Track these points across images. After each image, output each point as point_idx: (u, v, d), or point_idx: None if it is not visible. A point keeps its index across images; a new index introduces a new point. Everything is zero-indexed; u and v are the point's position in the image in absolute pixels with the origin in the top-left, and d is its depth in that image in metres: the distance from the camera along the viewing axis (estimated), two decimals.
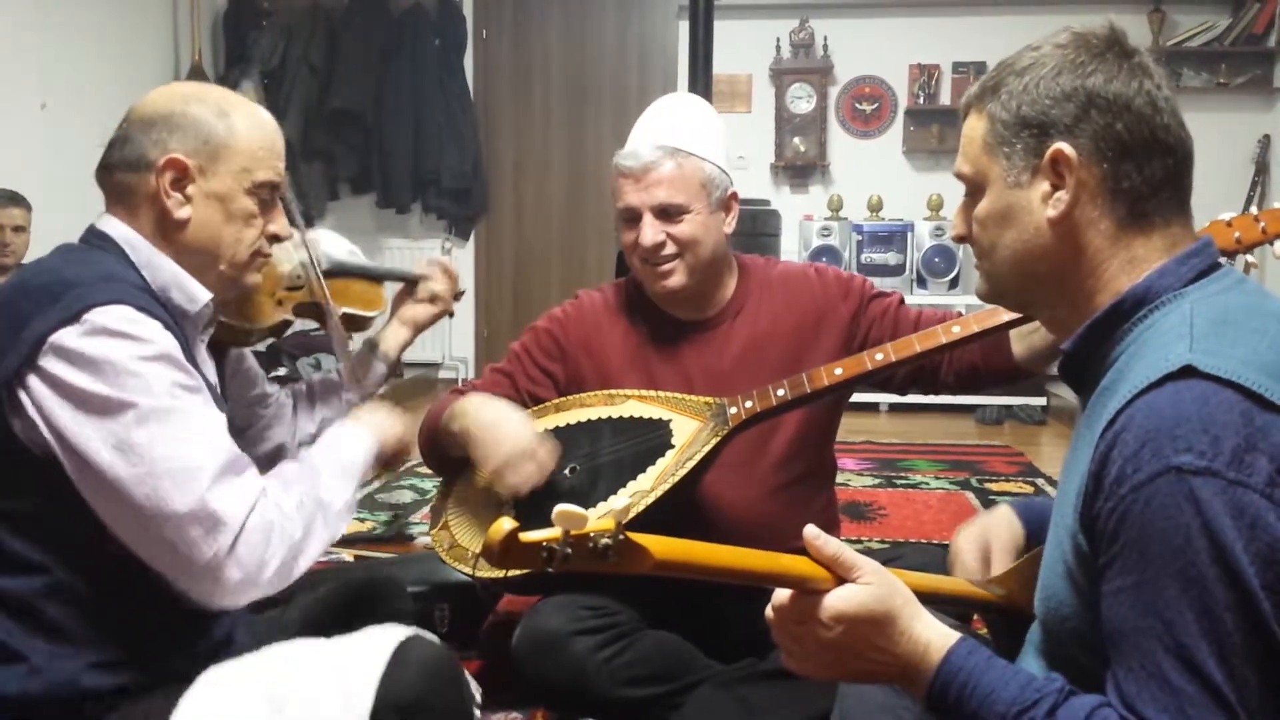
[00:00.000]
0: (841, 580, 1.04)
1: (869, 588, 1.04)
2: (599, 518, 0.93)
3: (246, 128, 1.46)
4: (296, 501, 1.37)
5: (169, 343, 1.31)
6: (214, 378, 1.55)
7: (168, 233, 1.43)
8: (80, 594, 1.31)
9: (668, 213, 1.97)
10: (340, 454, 1.52)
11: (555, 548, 0.90)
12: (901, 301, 2.08)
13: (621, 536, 0.92)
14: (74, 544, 1.30)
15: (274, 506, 1.33)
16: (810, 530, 1.06)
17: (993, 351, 1.95)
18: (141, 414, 1.24)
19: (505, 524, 0.88)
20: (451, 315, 2.09)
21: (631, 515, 1.77)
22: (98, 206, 1.47)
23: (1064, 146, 1.06)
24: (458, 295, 2.09)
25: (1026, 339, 1.91)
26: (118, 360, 1.25)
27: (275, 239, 1.54)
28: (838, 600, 1.03)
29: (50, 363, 1.25)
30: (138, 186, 1.42)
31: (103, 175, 1.46)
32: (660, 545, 0.96)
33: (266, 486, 1.35)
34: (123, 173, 1.43)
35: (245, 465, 1.34)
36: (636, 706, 1.90)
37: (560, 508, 0.89)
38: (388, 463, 1.68)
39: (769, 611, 1.09)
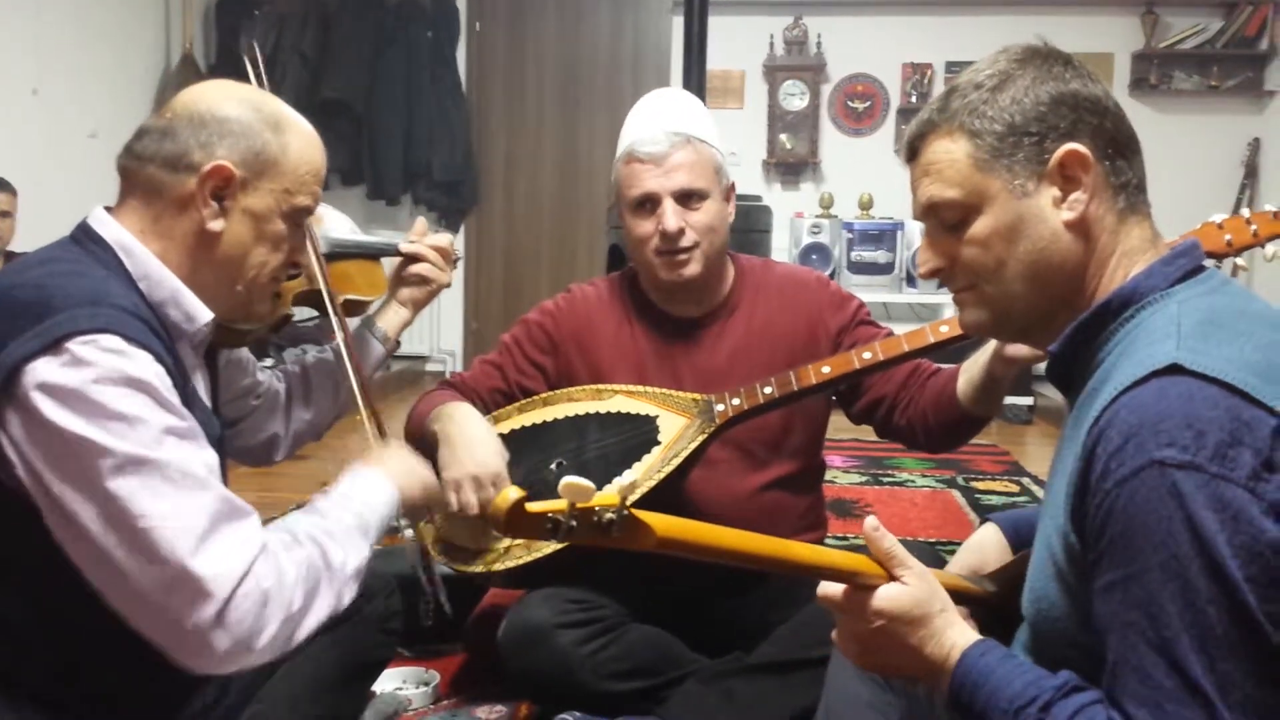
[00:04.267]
0: (890, 577, 1.09)
1: (909, 589, 1.08)
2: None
3: (299, 148, 1.35)
4: (300, 567, 1.24)
5: (158, 378, 1.18)
6: (206, 392, 1.44)
7: (192, 243, 1.31)
8: (56, 655, 1.22)
9: (687, 199, 1.94)
10: (358, 508, 1.38)
11: (560, 519, 0.90)
12: (890, 336, 2.01)
13: (625, 511, 0.93)
14: (52, 597, 1.19)
15: (271, 572, 1.19)
16: (871, 522, 1.10)
17: (941, 395, 1.91)
18: (120, 464, 1.12)
19: (512, 493, 0.89)
20: (448, 285, 1.97)
21: (637, 494, 1.77)
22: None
23: (1078, 147, 1.06)
24: (454, 263, 1.98)
25: (968, 370, 1.86)
26: (100, 399, 1.12)
27: (295, 266, 1.43)
28: (883, 600, 1.08)
29: (26, 397, 1.12)
30: (170, 187, 1.29)
31: (131, 164, 1.32)
32: (664, 523, 0.97)
33: (268, 544, 1.21)
34: (157, 168, 1.29)
35: (240, 514, 1.20)
36: (621, 700, 1.90)
37: (567, 479, 0.89)
38: (413, 512, 1.55)
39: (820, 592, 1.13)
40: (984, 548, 1.43)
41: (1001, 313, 1.14)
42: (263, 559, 1.19)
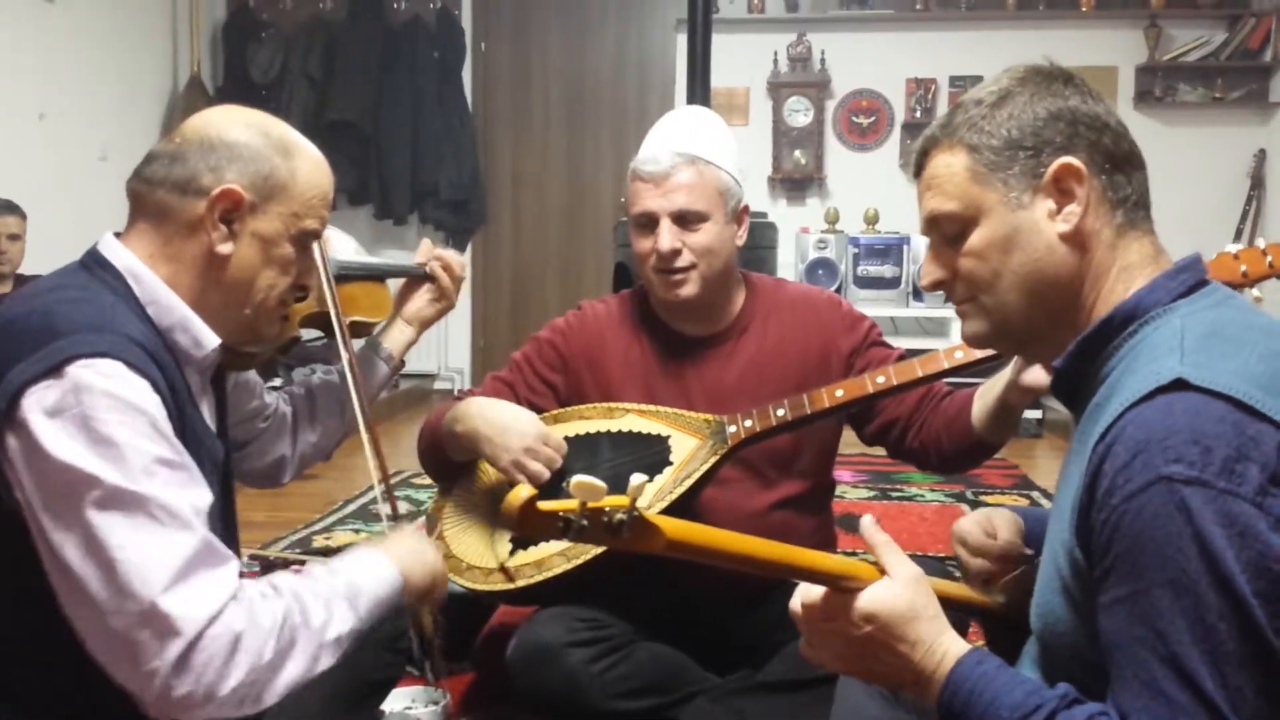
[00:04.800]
0: (880, 573, 1.07)
1: (902, 593, 1.06)
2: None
3: (307, 172, 1.37)
4: (276, 619, 1.20)
5: (155, 408, 1.18)
6: (212, 416, 1.44)
7: (202, 267, 1.32)
8: (55, 675, 1.22)
9: (686, 220, 1.94)
10: (352, 579, 1.33)
11: (572, 518, 0.91)
12: (902, 358, 2.00)
13: (635, 513, 0.93)
14: (51, 620, 1.17)
15: (243, 617, 1.16)
16: (868, 518, 1.10)
17: (956, 419, 1.91)
18: (106, 495, 1.12)
19: (523, 491, 0.90)
20: (453, 306, 1.99)
21: (649, 503, 1.78)
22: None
23: (1072, 160, 1.07)
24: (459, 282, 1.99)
25: (984, 397, 1.86)
26: (93, 424, 1.13)
27: (302, 289, 1.43)
28: (870, 601, 1.05)
29: (26, 420, 1.13)
30: (179, 211, 1.31)
31: (140, 188, 1.33)
32: (673, 526, 0.97)
33: (243, 591, 1.19)
34: (166, 192, 1.31)
35: (218, 560, 1.18)
36: (631, 718, 1.89)
37: (578, 478, 0.90)
38: (420, 599, 1.49)
39: (795, 604, 1.11)
40: (993, 516, 1.43)
41: (999, 324, 1.15)
42: (235, 604, 1.17)
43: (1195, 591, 0.89)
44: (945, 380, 1.94)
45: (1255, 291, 1.59)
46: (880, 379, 1.87)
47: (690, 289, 1.96)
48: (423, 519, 2.17)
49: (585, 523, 0.91)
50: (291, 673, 1.21)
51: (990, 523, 1.42)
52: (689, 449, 1.93)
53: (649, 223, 1.96)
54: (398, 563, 1.40)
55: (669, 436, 1.96)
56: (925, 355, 1.88)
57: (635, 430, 1.98)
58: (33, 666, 1.23)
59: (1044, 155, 1.08)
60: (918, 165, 1.18)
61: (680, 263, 1.95)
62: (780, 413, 1.90)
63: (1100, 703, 0.97)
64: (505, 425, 1.91)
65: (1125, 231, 1.10)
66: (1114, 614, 0.95)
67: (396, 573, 1.39)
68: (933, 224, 1.16)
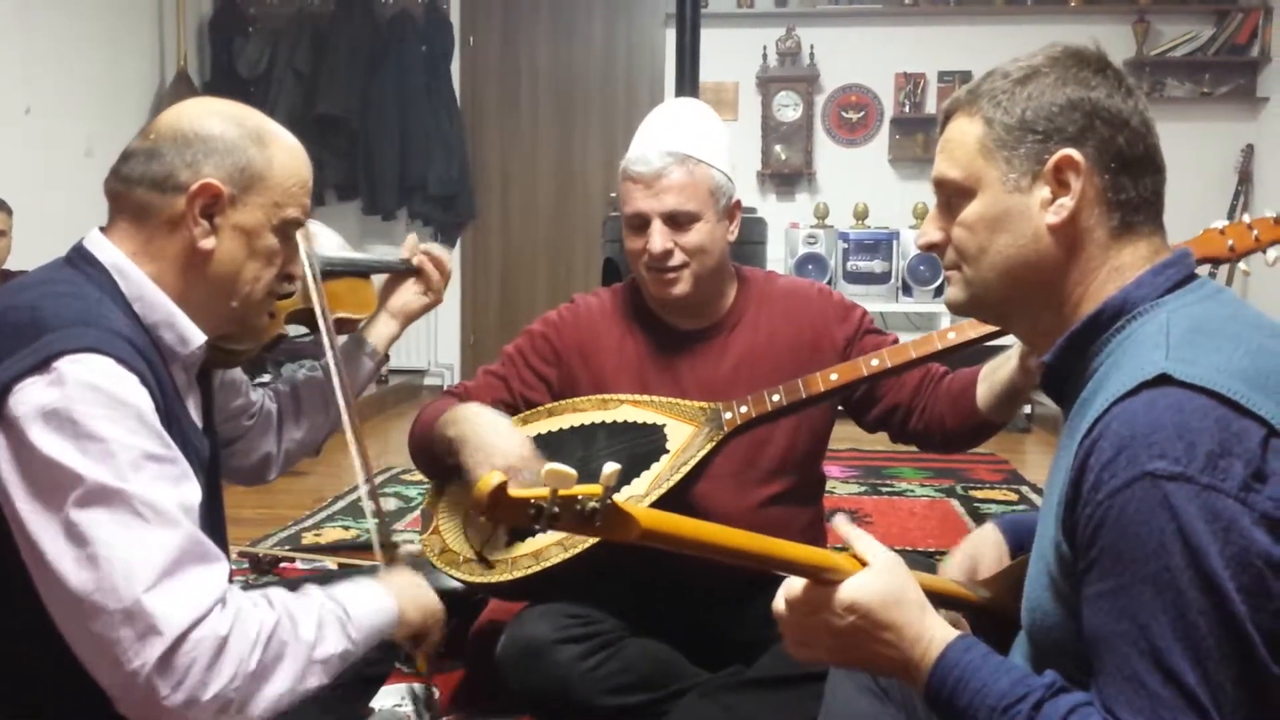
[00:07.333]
0: (860, 564, 1.07)
1: (882, 579, 1.06)
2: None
3: (285, 160, 1.35)
4: (265, 629, 1.17)
5: (144, 403, 1.17)
6: (199, 413, 1.43)
7: (185, 263, 1.31)
8: (47, 673, 1.19)
9: (677, 220, 1.94)
10: (348, 606, 1.31)
11: (543, 505, 0.89)
12: (896, 343, 1.99)
13: (609, 501, 0.91)
14: (41, 616, 1.15)
15: (229, 622, 1.14)
16: (840, 517, 1.12)
17: (959, 400, 1.92)
18: (90, 491, 1.10)
19: (494, 477, 0.89)
20: (440, 302, 1.97)
21: (646, 490, 1.79)
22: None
23: (1073, 153, 1.07)
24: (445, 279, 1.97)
25: (988, 379, 1.87)
26: (80, 419, 1.11)
27: (289, 279, 1.42)
28: (850, 590, 1.05)
29: (12, 415, 1.12)
30: (159, 208, 1.29)
31: (119, 187, 1.32)
32: (648, 515, 0.96)
33: (232, 596, 1.16)
34: (144, 190, 1.30)
35: (207, 560, 1.16)
36: (621, 715, 1.90)
37: (550, 466, 0.89)
38: (413, 636, 1.48)
39: (778, 604, 1.10)
40: (981, 547, 1.43)
41: (975, 297, 1.16)
42: (222, 608, 1.14)
43: (1178, 587, 0.90)
44: (945, 363, 1.95)
45: (1243, 265, 1.59)
46: (874, 362, 1.88)
47: (683, 287, 1.96)
48: (415, 514, 2.16)
49: (556, 510, 0.90)
50: (278, 686, 1.18)
51: (975, 563, 1.42)
52: (685, 436, 1.93)
53: (641, 223, 1.96)
54: (395, 596, 1.40)
55: (664, 425, 1.96)
56: (918, 338, 1.88)
57: (630, 420, 1.98)
58: (17, 667, 1.22)
59: (1052, 143, 1.08)
60: (942, 124, 1.19)
61: (673, 262, 1.94)
62: (775, 398, 1.90)
63: (1087, 692, 0.97)
64: (492, 440, 1.88)
65: (1121, 234, 1.09)
66: (1098, 608, 0.95)
67: (393, 604, 1.39)
68: (938, 186, 1.17)
